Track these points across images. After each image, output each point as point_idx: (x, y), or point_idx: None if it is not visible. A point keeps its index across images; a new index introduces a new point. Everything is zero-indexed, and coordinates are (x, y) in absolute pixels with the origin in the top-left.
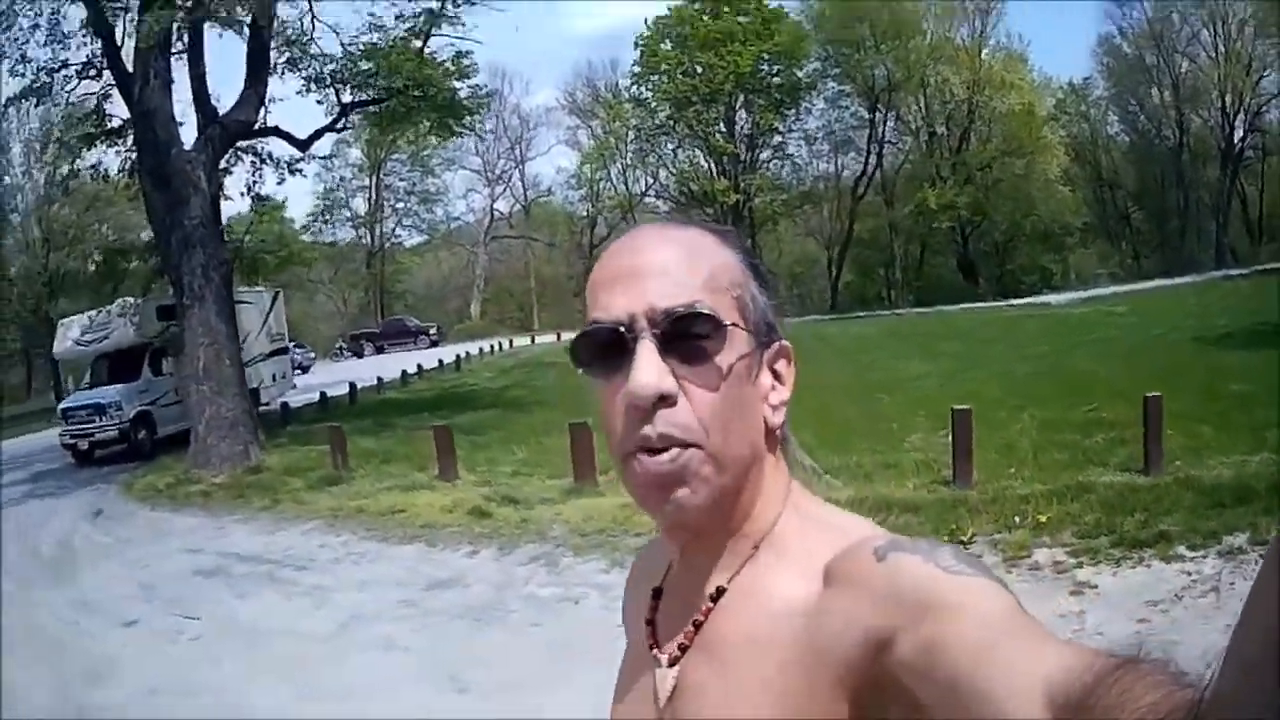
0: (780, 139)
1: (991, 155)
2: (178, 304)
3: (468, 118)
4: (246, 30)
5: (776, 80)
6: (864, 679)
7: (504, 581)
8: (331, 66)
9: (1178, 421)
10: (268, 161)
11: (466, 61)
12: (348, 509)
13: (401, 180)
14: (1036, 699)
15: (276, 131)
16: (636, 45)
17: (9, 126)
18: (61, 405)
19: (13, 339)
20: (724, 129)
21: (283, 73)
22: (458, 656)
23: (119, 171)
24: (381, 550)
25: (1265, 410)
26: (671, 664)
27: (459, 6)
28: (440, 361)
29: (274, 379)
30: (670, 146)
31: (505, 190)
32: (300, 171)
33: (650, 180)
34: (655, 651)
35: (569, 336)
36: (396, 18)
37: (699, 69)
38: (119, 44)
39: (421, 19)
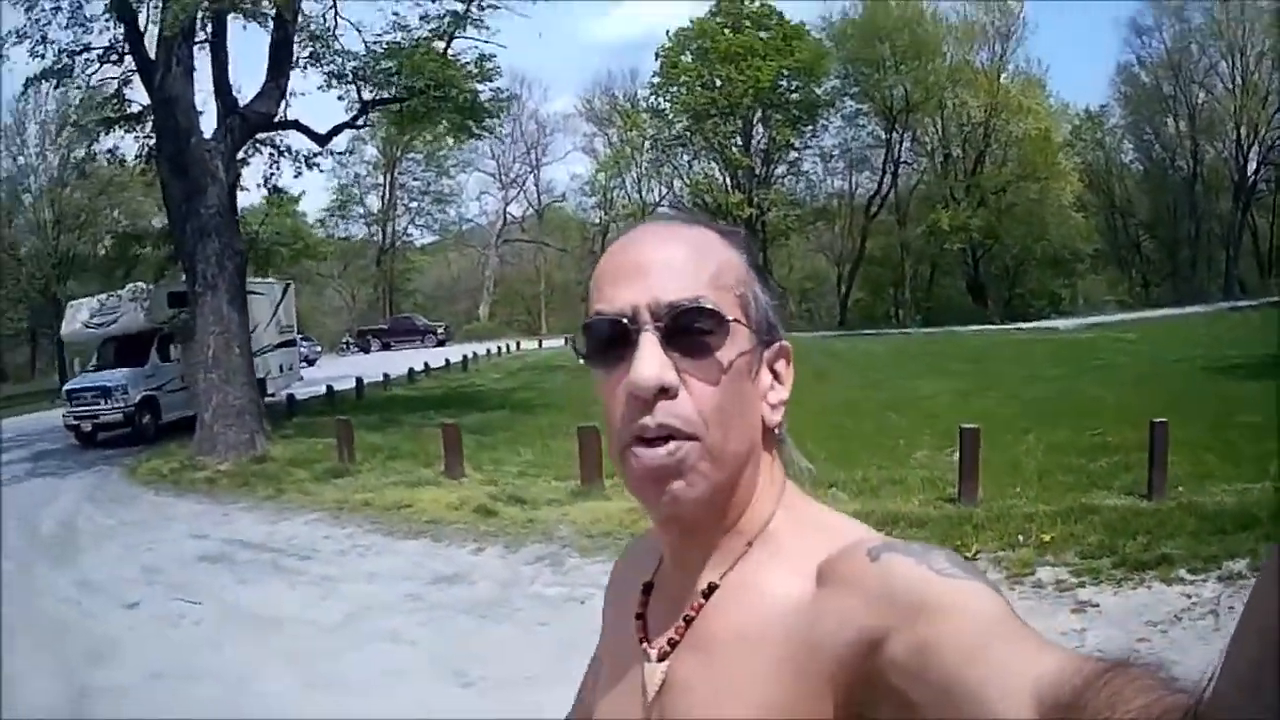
0: (796, 155)
1: (1006, 179)
2: (190, 291)
3: (487, 120)
4: (270, 22)
5: (795, 96)
6: (856, 678)
7: (510, 579)
8: (354, 63)
9: (1183, 448)
10: (286, 154)
11: (489, 64)
12: (353, 502)
13: (416, 180)
14: (1027, 700)
15: (296, 125)
16: (657, 56)
17: (25, 107)
18: (67, 386)
19: (20, 319)
20: (740, 143)
21: (305, 67)
22: (463, 651)
23: (136, 157)
24: (387, 544)
25: (1270, 440)
26: (661, 659)
27: (484, 10)
28: (447, 361)
29: (281, 370)
30: (686, 158)
31: (519, 194)
32: (317, 166)
33: (664, 190)
34: (645, 646)
35: None
36: (420, 18)
37: (718, 82)
38: (142, 30)
39: (446, 20)
